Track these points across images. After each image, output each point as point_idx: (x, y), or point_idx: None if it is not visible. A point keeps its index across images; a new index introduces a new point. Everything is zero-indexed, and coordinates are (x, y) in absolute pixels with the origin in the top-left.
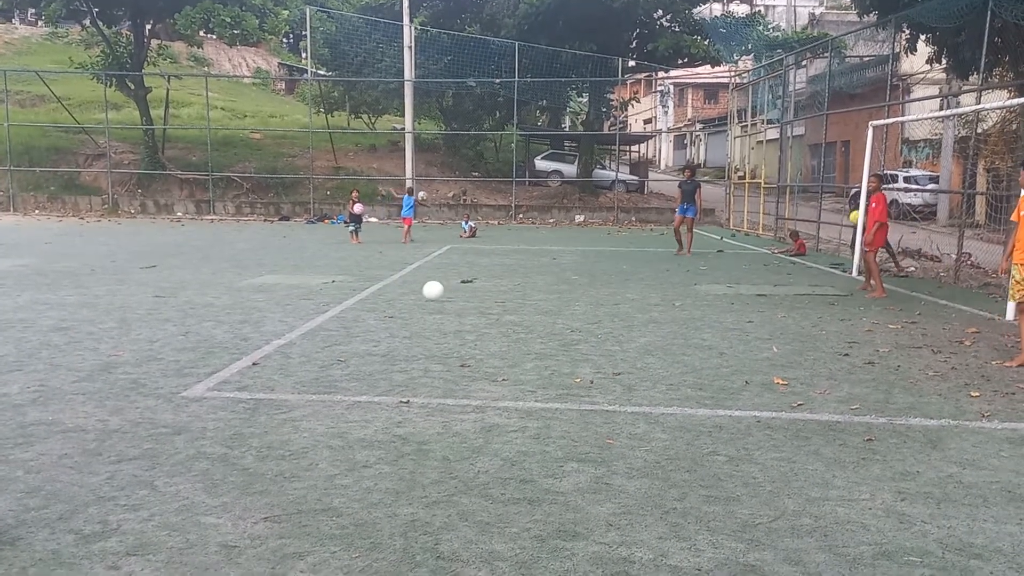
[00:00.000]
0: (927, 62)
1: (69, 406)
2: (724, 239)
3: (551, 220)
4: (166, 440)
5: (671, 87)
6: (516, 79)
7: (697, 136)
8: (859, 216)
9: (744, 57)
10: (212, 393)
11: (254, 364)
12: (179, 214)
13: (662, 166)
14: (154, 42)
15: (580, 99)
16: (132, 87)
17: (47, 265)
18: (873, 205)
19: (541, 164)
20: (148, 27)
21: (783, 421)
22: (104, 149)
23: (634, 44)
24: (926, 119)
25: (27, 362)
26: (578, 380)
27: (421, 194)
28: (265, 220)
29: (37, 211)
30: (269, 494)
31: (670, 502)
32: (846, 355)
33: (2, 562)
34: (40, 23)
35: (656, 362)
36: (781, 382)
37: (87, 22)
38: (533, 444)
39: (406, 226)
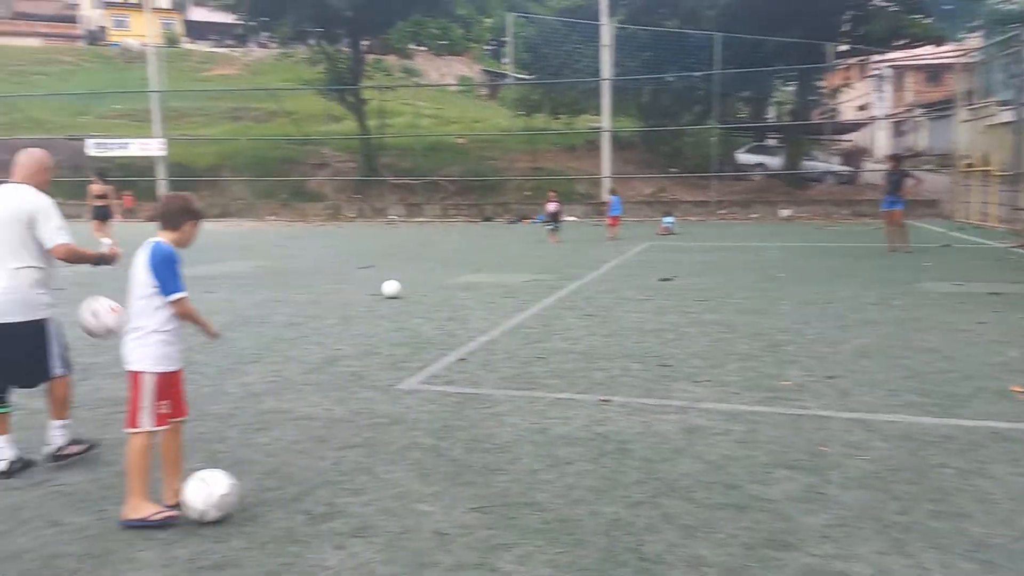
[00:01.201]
0: None
1: (300, 395)
2: (950, 232)
3: (754, 215)
4: (383, 430)
5: (888, 70)
6: (717, 71)
7: (918, 122)
8: None
9: (972, 34)
10: (423, 386)
11: (461, 360)
12: (392, 217)
13: (878, 155)
14: (370, 57)
15: (786, 88)
16: (351, 100)
17: (279, 266)
18: None
19: (743, 157)
20: (365, 44)
21: (1023, 433)
22: (327, 159)
23: (846, 27)
24: None
25: (264, 354)
26: (786, 383)
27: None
28: (469, 221)
29: (270, 217)
30: (476, 485)
31: (891, 515)
32: None
33: (244, 536)
34: (272, 45)
35: (873, 365)
36: (1020, 390)
37: (312, 42)
38: (738, 448)
39: (612, 225)
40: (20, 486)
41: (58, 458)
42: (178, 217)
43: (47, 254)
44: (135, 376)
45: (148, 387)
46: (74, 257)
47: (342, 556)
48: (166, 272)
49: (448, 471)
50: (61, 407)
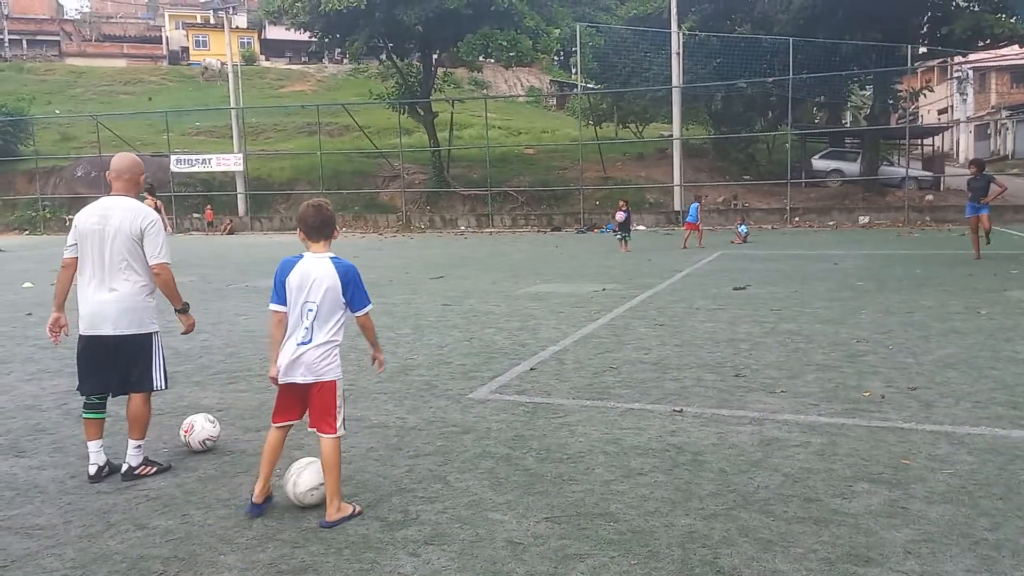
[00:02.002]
0: None
1: (374, 404)
2: None
3: (831, 222)
4: (456, 438)
5: (970, 72)
6: (790, 76)
7: (1003, 125)
8: None
9: None
10: (495, 396)
11: (532, 369)
12: (462, 228)
13: (961, 159)
14: (440, 70)
15: (863, 92)
16: (421, 113)
17: None
18: None
19: (819, 163)
20: (435, 57)
21: None
22: (398, 171)
23: (925, 29)
24: None
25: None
26: (867, 394)
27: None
28: (538, 231)
29: (344, 229)
30: (549, 495)
31: (980, 532)
32: None
33: (322, 542)
34: (345, 61)
35: (959, 376)
36: None
37: (383, 57)
38: (817, 461)
39: (687, 232)
40: (109, 490)
41: (132, 477)
42: (334, 224)
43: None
44: (331, 385)
45: (340, 394)
46: (169, 284)
47: (416, 563)
48: (360, 286)
49: (520, 480)
50: (139, 426)
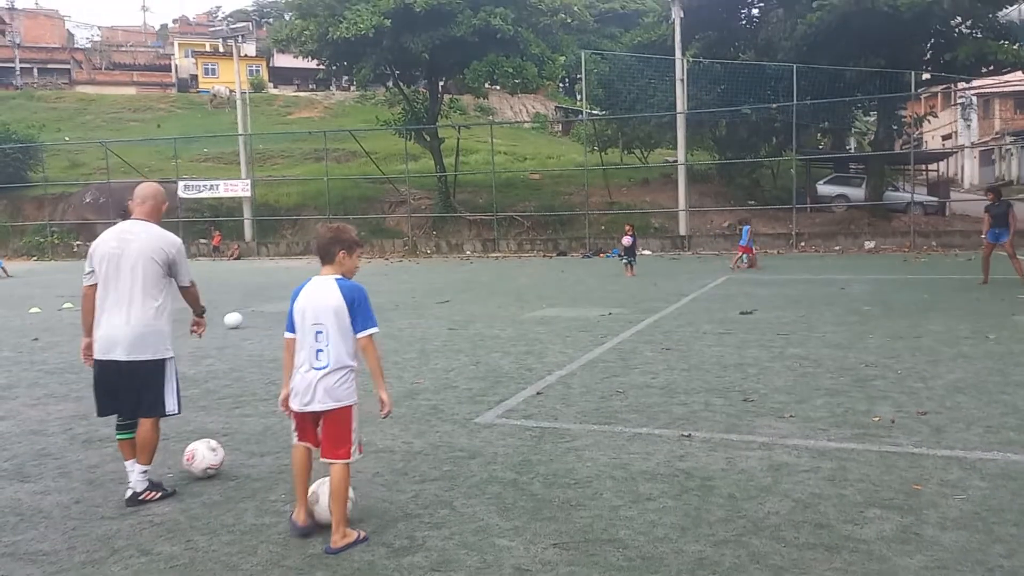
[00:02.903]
0: None
1: (380, 429)
2: None
3: (837, 247)
4: (462, 463)
5: (974, 98)
6: (794, 102)
7: (1008, 150)
8: None
9: None
10: (501, 420)
11: (538, 394)
12: (468, 252)
13: (966, 185)
14: (446, 96)
15: (867, 118)
16: (428, 139)
17: None
18: None
19: (824, 189)
20: (441, 84)
21: None
22: (405, 196)
23: (929, 55)
24: None
25: None
26: (877, 419)
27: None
28: (544, 256)
29: None
30: (557, 520)
31: (995, 559)
32: None
33: (327, 568)
34: (352, 88)
35: (969, 401)
36: None
37: (390, 84)
38: (828, 486)
39: (739, 254)
40: (113, 516)
41: (137, 503)
42: (337, 246)
43: (171, 291)
44: (347, 411)
45: (356, 418)
46: (198, 298)
47: None
48: (366, 307)
49: (528, 506)
50: (146, 452)
